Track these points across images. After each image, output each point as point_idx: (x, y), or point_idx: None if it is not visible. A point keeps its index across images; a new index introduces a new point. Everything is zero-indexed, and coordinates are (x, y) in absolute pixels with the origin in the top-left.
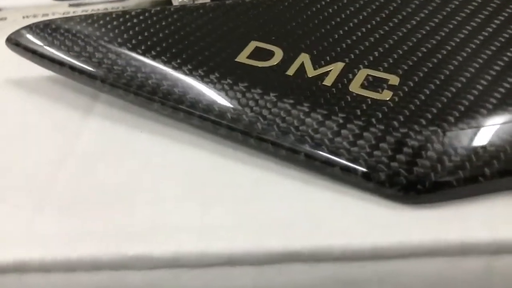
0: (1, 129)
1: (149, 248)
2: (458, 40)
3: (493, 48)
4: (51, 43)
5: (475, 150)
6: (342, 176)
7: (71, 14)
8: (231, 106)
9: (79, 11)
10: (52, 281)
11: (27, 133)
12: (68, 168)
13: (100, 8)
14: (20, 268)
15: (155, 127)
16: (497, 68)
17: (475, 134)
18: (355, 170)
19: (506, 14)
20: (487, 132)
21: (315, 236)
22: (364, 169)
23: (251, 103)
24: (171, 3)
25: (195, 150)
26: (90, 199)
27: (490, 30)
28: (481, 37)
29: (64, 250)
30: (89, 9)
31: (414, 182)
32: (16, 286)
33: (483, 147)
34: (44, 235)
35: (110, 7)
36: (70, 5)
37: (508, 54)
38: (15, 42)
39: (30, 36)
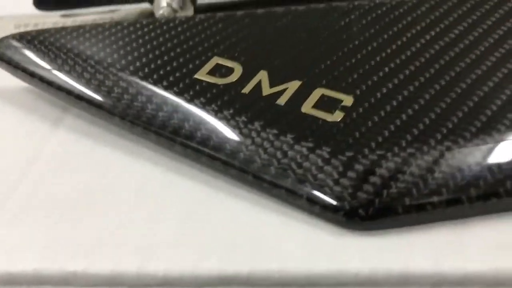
0: None
1: (88, 265)
2: (417, 64)
3: (451, 74)
4: (28, 56)
5: (423, 177)
6: (288, 199)
7: (60, 25)
8: (187, 122)
9: (69, 21)
10: None
11: None
12: (29, 177)
13: (90, 19)
14: None
15: (118, 142)
16: (454, 95)
17: (425, 160)
18: (300, 192)
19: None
20: (437, 158)
21: (254, 260)
22: (309, 192)
23: (205, 120)
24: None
25: (151, 166)
26: (41, 210)
27: (447, 58)
28: (439, 65)
29: (7, 262)
30: (79, 20)
31: (357, 208)
32: None
33: (432, 174)
34: None
35: (99, 18)
36: (62, 16)
37: (462, 84)
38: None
39: (9, 48)
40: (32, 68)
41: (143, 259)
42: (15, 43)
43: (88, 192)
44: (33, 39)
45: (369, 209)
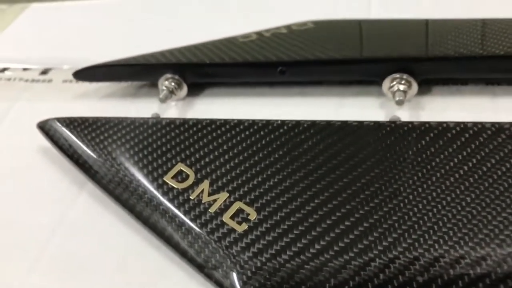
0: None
1: None
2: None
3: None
4: (65, 138)
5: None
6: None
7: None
8: (153, 215)
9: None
10: None
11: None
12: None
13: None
14: None
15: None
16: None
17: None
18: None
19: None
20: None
21: None
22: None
23: (163, 214)
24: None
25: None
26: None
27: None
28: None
29: None
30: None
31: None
32: None
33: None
34: None
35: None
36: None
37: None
38: (43, 130)
39: (55, 129)
40: (67, 148)
41: None
42: (59, 125)
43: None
44: (73, 125)
45: None
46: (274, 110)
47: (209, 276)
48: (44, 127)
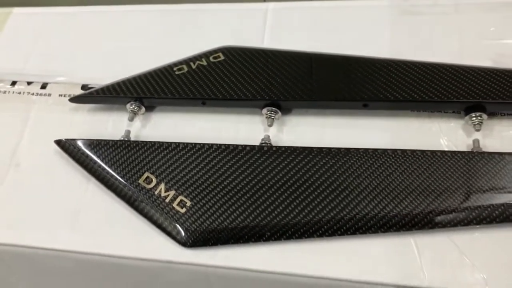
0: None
1: None
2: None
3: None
4: (81, 154)
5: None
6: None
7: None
8: (133, 200)
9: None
10: None
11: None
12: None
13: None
14: None
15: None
16: None
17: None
18: (168, 229)
19: None
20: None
21: None
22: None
23: (138, 202)
24: None
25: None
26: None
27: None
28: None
29: None
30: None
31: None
32: None
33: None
34: None
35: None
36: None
37: None
38: (59, 145)
39: (67, 146)
40: (76, 157)
41: None
42: (70, 144)
43: None
44: (79, 144)
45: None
46: (203, 124)
47: (167, 234)
48: (59, 143)
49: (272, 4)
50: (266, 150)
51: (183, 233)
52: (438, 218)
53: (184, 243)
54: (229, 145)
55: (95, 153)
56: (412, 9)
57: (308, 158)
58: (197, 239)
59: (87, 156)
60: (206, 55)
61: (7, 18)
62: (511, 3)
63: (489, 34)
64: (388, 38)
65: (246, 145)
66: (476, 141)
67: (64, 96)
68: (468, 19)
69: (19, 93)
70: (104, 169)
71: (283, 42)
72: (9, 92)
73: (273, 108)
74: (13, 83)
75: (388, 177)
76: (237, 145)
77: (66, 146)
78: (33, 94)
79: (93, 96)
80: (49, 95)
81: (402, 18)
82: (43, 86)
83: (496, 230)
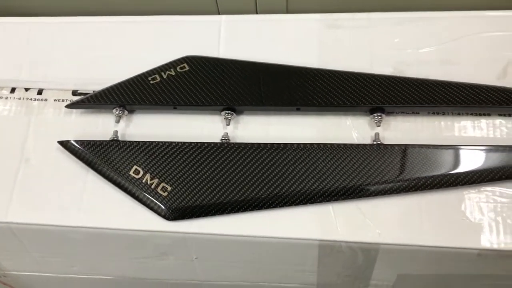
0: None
1: None
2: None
3: None
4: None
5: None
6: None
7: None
8: (125, 187)
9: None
10: None
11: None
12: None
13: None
14: None
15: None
16: None
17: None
18: (150, 205)
19: None
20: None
21: None
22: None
23: (129, 188)
24: None
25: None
26: None
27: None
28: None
29: None
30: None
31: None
32: None
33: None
34: None
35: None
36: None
37: None
38: (62, 145)
39: (69, 146)
40: (78, 155)
41: None
42: (73, 144)
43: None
44: (79, 144)
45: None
46: (175, 123)
47: (154, 211)
48: (62, 143)
49: (224, 17)
50: (225, 147)
51: (166, 210)
52: (349, 192)
53: (167, 218)
54: (197, 142)
55: (92, 151)
56: (336, 23)
57: (256, 152)
58: (177, 214)
59: (86, 154)
60: (173, 65)
61: None
62: (413, 18)
63: (393, 44)
64: (316, 49)
65: (210, 143)
66: (377, 134)
67: (59, 101)
68: (378, 31)
69: (19, 98)
70: (100, 164)
71: (235, 51)
72: (10, 98)
73: (229, 112)
74: (13, 90)
75: (314, 164)
76: (203, 143)
77: (68, 146)
78: (31, 99)
79: (84, 103)
80: (46, 100)
81: (328, 31)
82: (39, 92)
83: (389, 199)
